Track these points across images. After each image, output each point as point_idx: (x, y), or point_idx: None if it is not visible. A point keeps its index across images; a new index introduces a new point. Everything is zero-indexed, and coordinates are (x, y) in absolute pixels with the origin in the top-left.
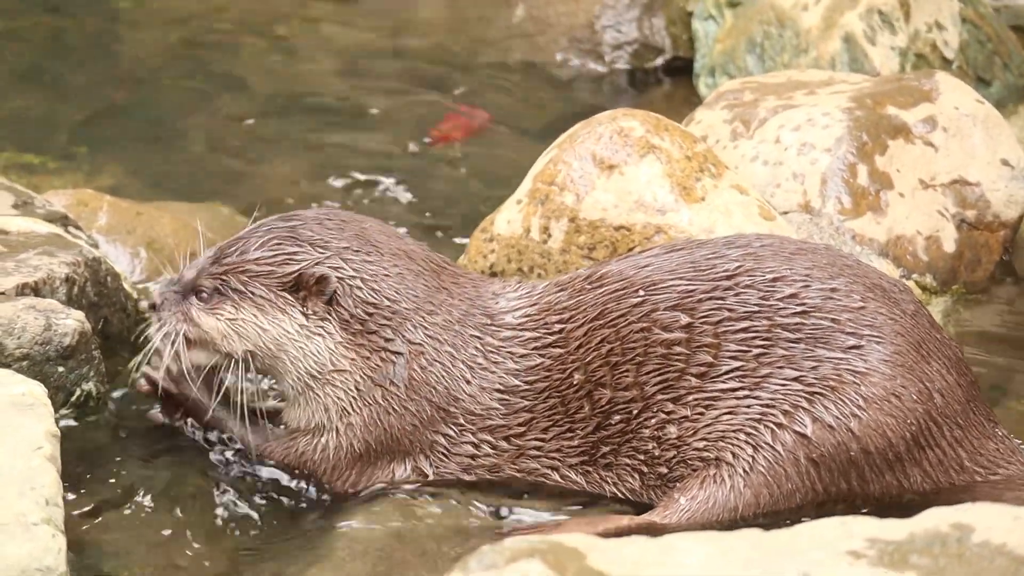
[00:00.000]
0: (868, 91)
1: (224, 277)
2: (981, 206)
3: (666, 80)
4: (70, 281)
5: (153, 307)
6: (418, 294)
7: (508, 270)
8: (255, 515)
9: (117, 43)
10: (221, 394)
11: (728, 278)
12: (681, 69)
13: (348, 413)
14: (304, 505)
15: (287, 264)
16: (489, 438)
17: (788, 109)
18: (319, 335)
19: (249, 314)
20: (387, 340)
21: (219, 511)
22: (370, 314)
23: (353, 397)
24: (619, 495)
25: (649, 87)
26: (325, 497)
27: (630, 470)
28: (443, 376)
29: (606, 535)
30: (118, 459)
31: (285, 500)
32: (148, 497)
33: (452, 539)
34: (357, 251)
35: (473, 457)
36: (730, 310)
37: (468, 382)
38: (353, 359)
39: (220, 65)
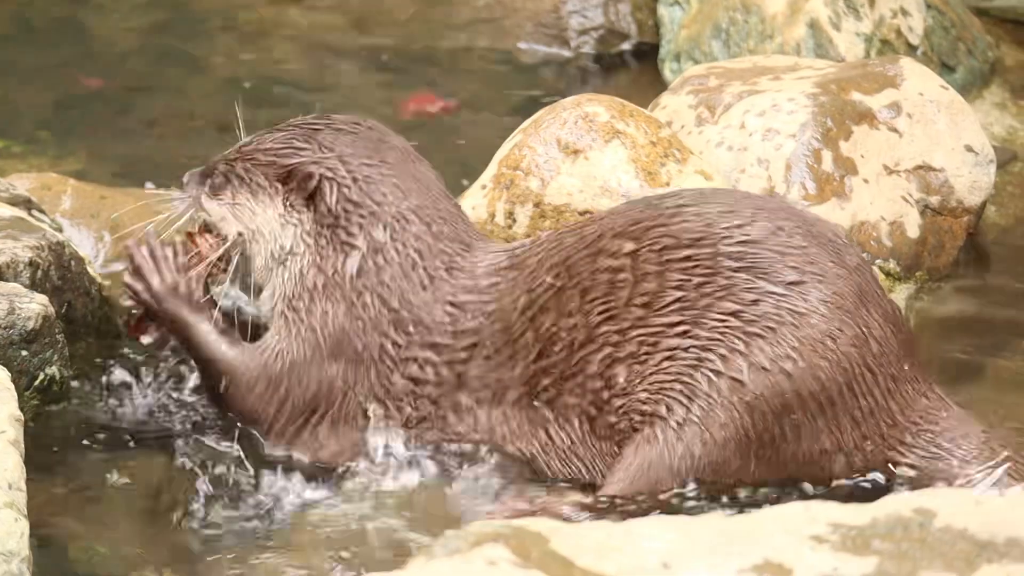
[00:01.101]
0: (833, 77)
1: (234, 163)
2: (945, 192)
3: (632, 65)
4: (34, 265)
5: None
6: (404, 203)
7: None
8: (219, 500)
9: (84, 27)
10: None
11: (677, 207)
12: (647, 54)
13: (295, 298)
14: (270, 490)
15: (288, 157)
16: (434, 357)
17: (753, 95)
18: (292, 224)
19: (244, 198)
20: (349, 235)
21: (182, 496)
22: (347, 211)
23: (296, 281)
24: (565, 442)
25: (615, 72)
26: (292, 482)
27: (577, 412)
28: (397, 276)
29: (567, 516)
30: (82, 444)
31: (251, 484)
32: (111, 482)
33: (418, 524)
34: (360, 155)
35: (416, 382)
36: (674, 237)
37: (424, 288)
38: (310, 245)
39: (187, 50)
